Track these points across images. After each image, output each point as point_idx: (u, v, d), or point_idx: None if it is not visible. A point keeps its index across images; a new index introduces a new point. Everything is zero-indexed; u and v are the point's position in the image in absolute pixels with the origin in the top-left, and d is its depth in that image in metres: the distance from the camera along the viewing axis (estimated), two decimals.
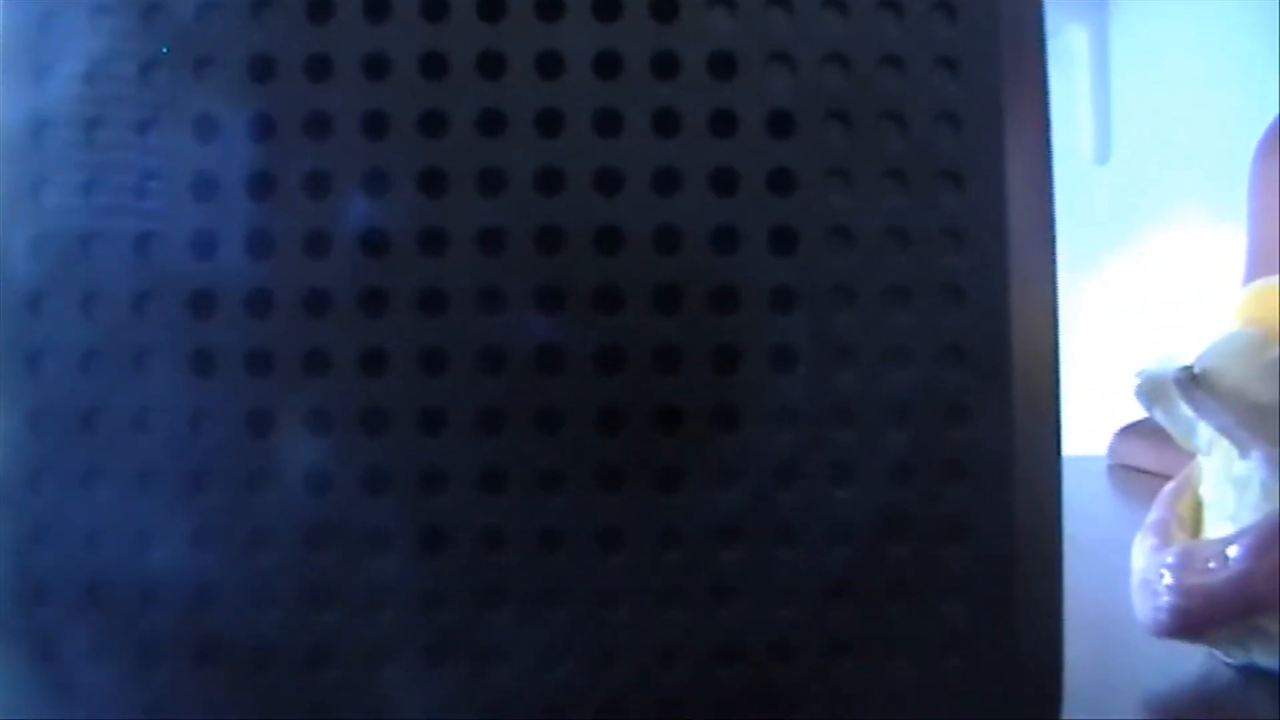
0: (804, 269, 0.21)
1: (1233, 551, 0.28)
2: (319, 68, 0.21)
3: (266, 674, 0.21)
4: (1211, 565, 0.28)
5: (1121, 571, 0.32)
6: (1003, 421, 0.21)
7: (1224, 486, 0.31)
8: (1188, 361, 0.29)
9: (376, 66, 0.21)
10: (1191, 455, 0.33)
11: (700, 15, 0.22)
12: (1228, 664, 0.30)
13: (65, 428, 0.21)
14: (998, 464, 0.21)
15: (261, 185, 0.21)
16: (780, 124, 0.21)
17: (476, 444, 0.21)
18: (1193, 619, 0.28)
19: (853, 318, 0.21)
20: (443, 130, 0.21)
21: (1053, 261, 0.22)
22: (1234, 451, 0.30)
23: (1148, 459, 0.66)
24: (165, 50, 0.21)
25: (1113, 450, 0.74)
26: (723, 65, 0.22)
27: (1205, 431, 0.32)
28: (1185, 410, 0.31)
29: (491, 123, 0.21)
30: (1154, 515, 0.32)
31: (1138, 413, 0.34)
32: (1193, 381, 0.29)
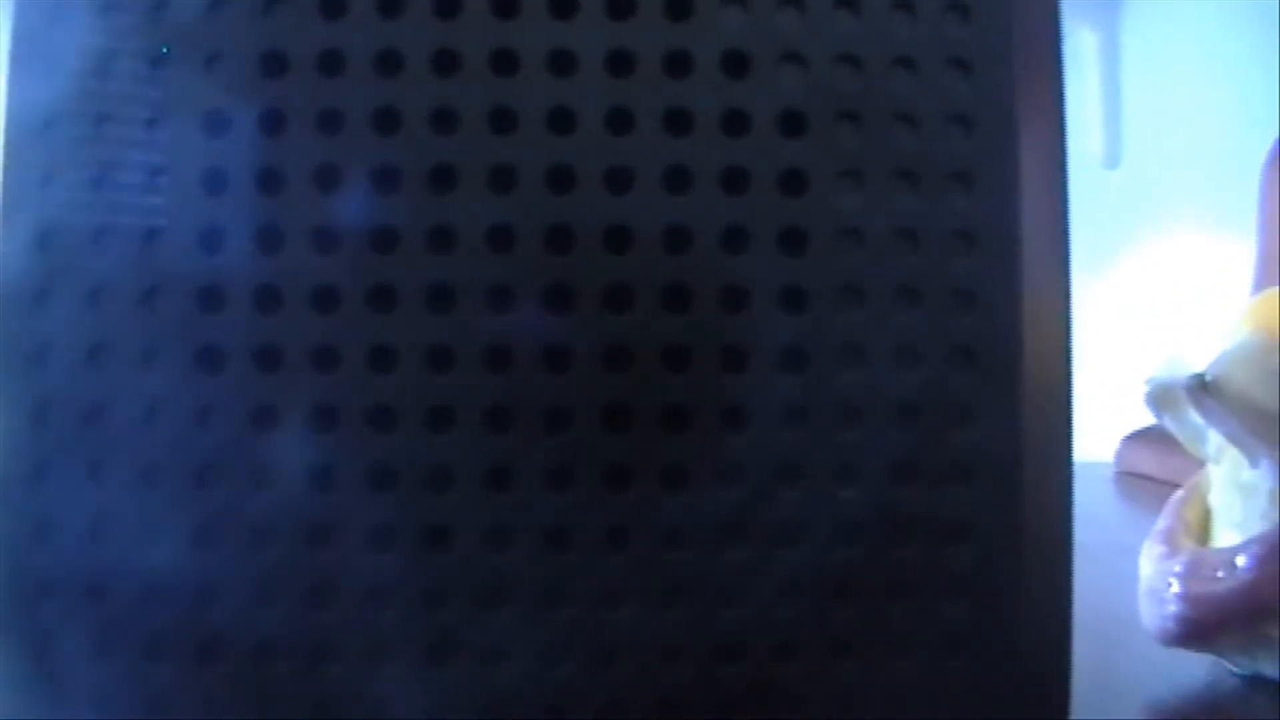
0: (814, 269, 0.21)
1: (1240, 560, 0.28)
2: (330, 63, 0.21)
3: (269, 672, 0.21)
4: (1219, 574, 0.28)
5: (1129, 578, 0.31)
6: (1011, 424, 0.21)
7: (1232, 494, 0.31)
8: (1198, 369, 0.29)
9: (388, 63, 0.21)
10: (1200, 463, 0.33)
11: (713, 14, 0.21)
12: (1234, 672, 0.29)
13: (70, 423, 0.21)
14: (1005, 466, 0.21)
15: (271, 181, 0.21)
16: (792, 124, 0.21)
17: (483, 441, 0.21)
18: (1200, 627, 0.28)
19: (862, 318, 0.21)
20: (454, 127, 0.21)
21: (1066, 264, 0.22)
22: (1243, 459, 0.30)
23: (1155, 466, 0.66)
24: (165, 50, 0.21)
25: (1120, 457, 0.73)
26: (735, 64, 0.21)
27: (1214, 439, 0.31)
28: (1194, 417, 0.31)
29: (503, 120, 0.21)
30: (1162, 523, 0.32)
31: (1145, 419, 0.34)
32: (1203, 389, 0.29)
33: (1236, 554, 0.28)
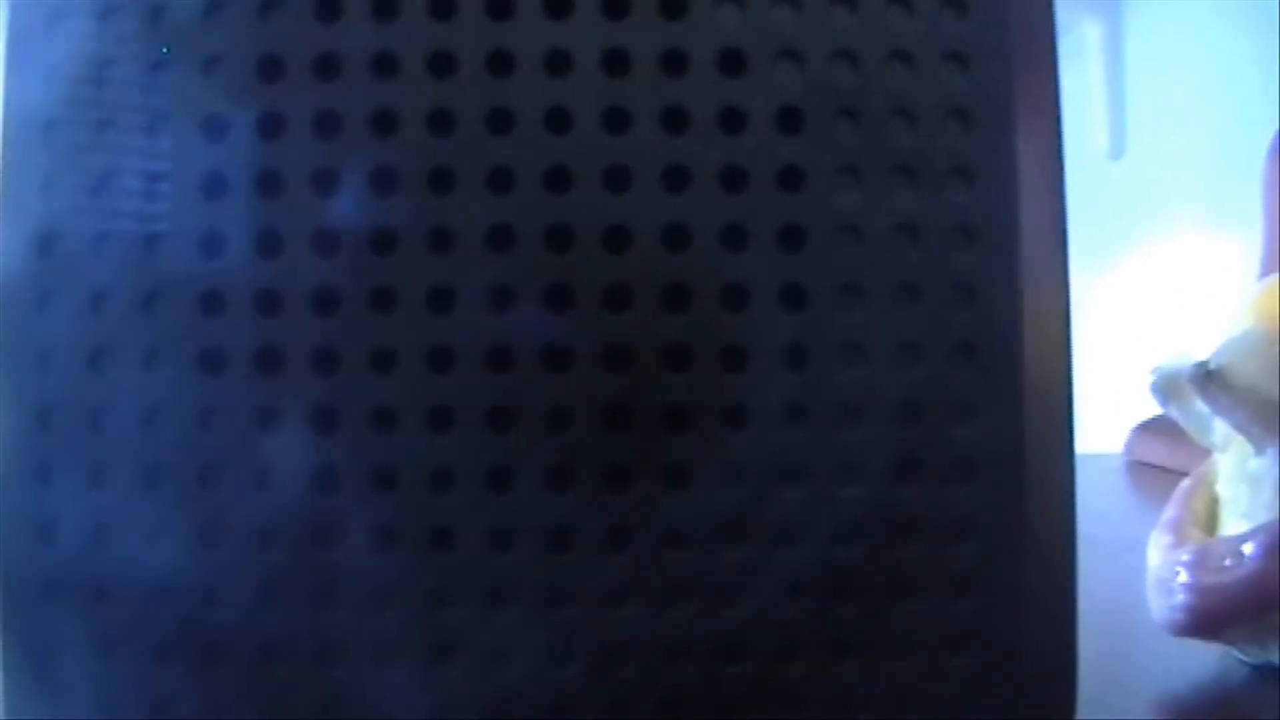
0: (813, 266, 0.21)
1: (1248, 549, 0.28)
2: (327, 66, 0.21)
3: (272, 673, 0.21)
4: (1227, 563, 0.28)
5: (1137, 569, 0.31)
6: (1013, 420, 0.21)
7: (1239, 484, 0.31)
8: (1203, 358, 0.29)
9: (385, 65, 0.21)
10: (1207, 452, 0.33)
11: (709, 12, 0.21)
12: (1244, 662, 0.29)
13: (73, 426, 0.21)
14: (1007, 463, 0.21)
15: (270, 184, 0.21)
16: (789, 121, 0.21)
17: (484, 442, 0.21)
18: (1208, 617, 0.28)
19: (862, 315, 0.21)
20: (451, 128, 0.21)
21: (1065, 258, 0.22)
22: (1249, 448, 0.30)
23: (1163, 456, 0.66)
24: (165, 50, 0.21)
25: (1129, 447, 0.73)
26: (731, 62, 0.21)
27: (1221, 428, 0.31)
28: (1201, 407, 0.31)
29: (500, 121, 0.21)
30: (1169, 513, 0.32)
31: (1154, 409, 0.34)
32: (1208, 378, 0.29)
33: (1244, 543, 0.28)
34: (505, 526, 0.21)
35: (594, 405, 0.21)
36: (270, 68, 0.21)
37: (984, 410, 0.21)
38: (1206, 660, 0.30)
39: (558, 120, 0.21)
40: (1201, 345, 0.30)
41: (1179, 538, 0.31)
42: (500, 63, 0.21)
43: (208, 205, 0.21)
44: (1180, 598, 0.29)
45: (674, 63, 0.21)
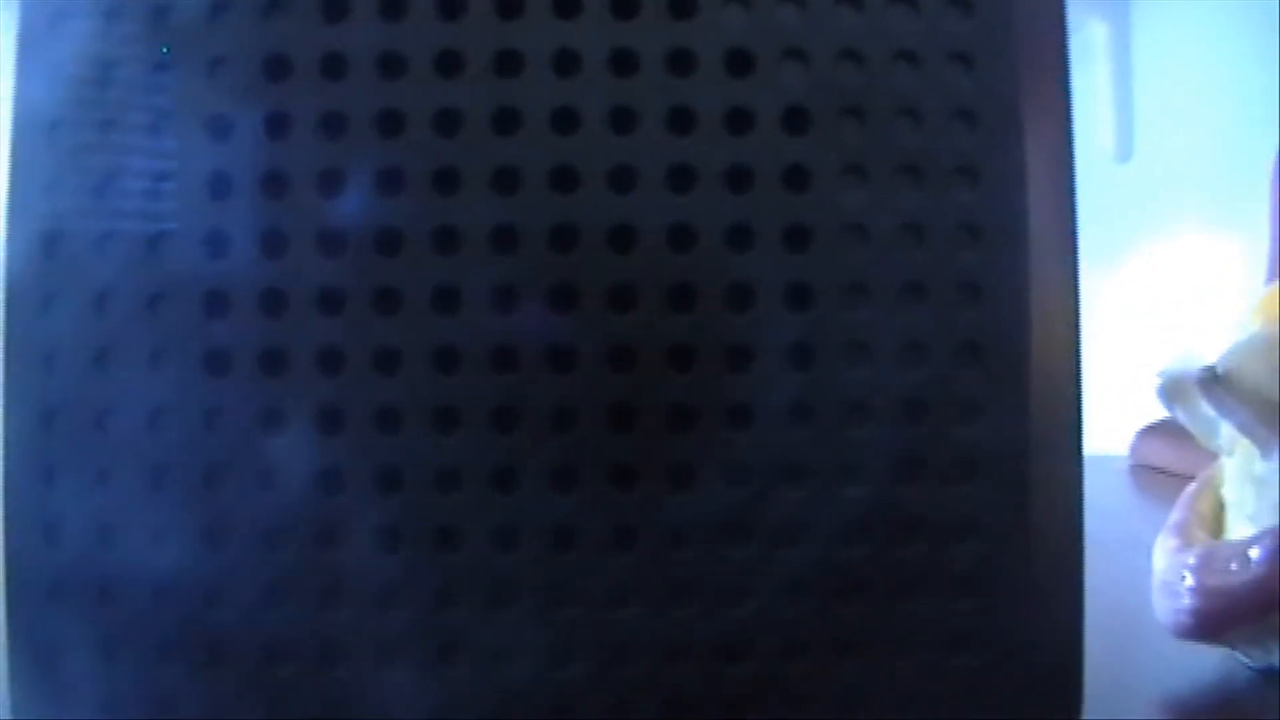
0: (819, 266, 0.21)
1: (1254, 553, 0.28)
2: (333, 66, 0.21)
3: (277, 672, 0.21)
4: (1233, 566, 0.28)
5: (1142, 572, 0.31)
6: (1018, 420, 0.21)
7: (1245, 486, 0.31)
8: (1210, 361, 0.29)
9: (391, 65, 0.21)
10: (1213, 455, 0.33)
11: (715, 12, 0.21)
12: (1248, 665, 0.29)
13: (78, 427, 0.21)
14: (1011, 462, 0.21)
15: (275, 184, 0.21)
16: (795, 120, 0.21)
17: (489, 442, 0.21)
18: (1213, 620, 0.28)
19: (867, 314, 0.21)
20: (457, 128, 0.21)
21: (1074, 258, 0.22)
22: (1255, 451, 0.30)
23: (1169, 459, 0.66)
24: (165, 51, 0.21)
25: (1134, 450, 0.73)
26: (738, 62, 0.21)
27: (1227, 431, 0.31)
28: (1207, 410, 0.30)
29: (506, 120, 0.21)
30: (1175, 516, 0.32)
31: (1159, 412, 0.34)
32: (1214, 381, 0.29)
33: (1250, 546, 0.28)
34: (510, 526, 0.21)
35: (599, 405, 0.21)
36: (275, 68, 0.21)
37: (988, 410, 0.21)
38: (1209, 662, 0.30)
39: (564, 120, 0.21)
40: (1207, 347, 0.30)
41: (1185, 541, 0.31)
42: (507, 62, 0.21)
43: (213, 205, 0.21)
44: (1186, 601, 0.29)
45: (681, 63, 0.21)
